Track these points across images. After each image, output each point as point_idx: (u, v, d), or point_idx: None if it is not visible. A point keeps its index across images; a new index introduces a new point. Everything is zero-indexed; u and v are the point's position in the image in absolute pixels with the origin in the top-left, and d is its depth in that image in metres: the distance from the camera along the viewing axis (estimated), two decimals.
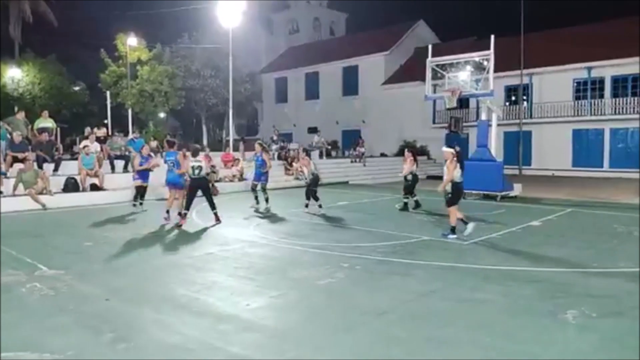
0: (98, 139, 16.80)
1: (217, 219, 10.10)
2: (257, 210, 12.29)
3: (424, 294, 5.49)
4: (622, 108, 25.73)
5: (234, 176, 17.71)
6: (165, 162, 10.59)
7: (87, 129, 18.27)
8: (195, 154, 10.00)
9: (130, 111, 29.05)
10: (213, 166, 16.74)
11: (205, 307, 5.00)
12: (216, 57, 31.49)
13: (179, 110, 34.35)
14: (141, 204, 12.19)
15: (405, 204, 12.45)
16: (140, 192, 12.22)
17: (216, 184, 16.03)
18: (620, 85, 26.10)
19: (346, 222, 10.43)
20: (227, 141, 22.98)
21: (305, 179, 12.61)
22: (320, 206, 11.99)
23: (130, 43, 28.36)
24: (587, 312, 4.81)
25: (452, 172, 8.44)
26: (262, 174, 12.72)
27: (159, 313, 4.81)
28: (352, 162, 25.07)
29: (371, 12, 75.85)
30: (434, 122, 31.36)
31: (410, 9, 78.07)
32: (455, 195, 8.53)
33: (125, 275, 6.21)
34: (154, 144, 18.68)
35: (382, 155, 30.68)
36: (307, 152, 13.35)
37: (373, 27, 41.03)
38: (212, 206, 10.14)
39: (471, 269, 6.61)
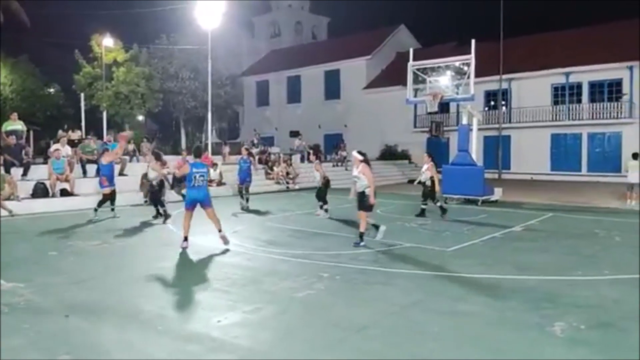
0: (72, 143, 16.27)
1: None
2: (244, 208, 13.24)
3: (406, 306, 5.25)
4: (599, 113, 26.05)
5: (211, 181, 17.23)
6: (192, 174, 7.91)
7: (60, 132, 17.69)
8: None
9: (105, 114, 28.32)
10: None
11: (173, 325, 4.66)
12: (195, 59, 31.01)
13: (157, 113, 33.73)
14: (112, 209, 11.67)
15: (423, 210, 12.00)
16: (111, 197, 11.61)
17: None
18: (597, 91, 26.43)
19: (327, 229, 10.15)
20: (206, 144, 22.51)
21: (318, 182, 12.62)
22: (326, 210, 12.08)
23: (106, 44, 27.68)
24: (574, 324, 4.64)
25: (370, 177, 8.22)
26: (247, 176, 13.81)
27: (122, 332, 4.45)
28: (333, 166, 24.85)
29: (353, 17, 76.03)
30: (415, 127, 31.36)
31: (391, 14, 78.62)
32: (368, 199, 8.16)
33: (89, 289, 5.81)
34: (130, 147, 18.16)
35: None
36: (318, 155, 13.17)
37: (355, 32, 41.00)
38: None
39: (454, 277, 6.40)
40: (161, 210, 11.38)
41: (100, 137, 19.92)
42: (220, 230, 8.12)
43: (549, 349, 4.16)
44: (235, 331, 4.51)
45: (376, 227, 8.51)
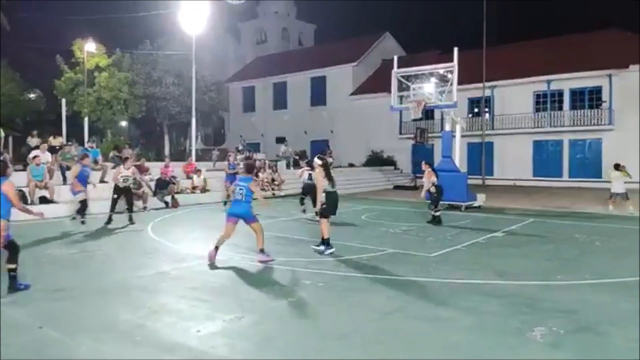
0: (53, 149, 16.00)
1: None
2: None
3: (389, 313, 5.23)
4: (580, 120, 26.47)
5: (194, 188, 17.10)
6: (239, 188, 7.64)
7: (30, 139, 17.45)
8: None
9: (86, 119, 27.96)
10: (174, 177, 16.16)
11: (151, 335, 4.56)
12: (179, 65, 30.85)
13: (140, 119, 33.41)
14: (83, 219, 11.20)
15: (434, 217, 11.81)
16: (84, 206, 11.21)
17: (176, 196, 15.47)
18: (578, 98, 26.87)
19: (311, 235, 10.08)
20: (190, 150, 22.33)
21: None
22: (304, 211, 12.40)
23: (89, 49, 27.37)
24: (554, 329, 4.65)
25: (320, 182, 8.17)
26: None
27: (98, 343, 4.35)
28: (302, 173, 24.81)
29: (339, 24, 76.58)
30: (400, 133, 31.54)
31: (376, 22, 79.26)
32: (329, 205, 8.19)
33: (65, 299, 5.67)
34: (113, 153, 17.94)
35: (350, 165, 30.61)
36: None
37: (341, 39, 41.18)
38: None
39: (437, 283, 6.40)
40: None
41: (82, 143, 19.66)
42: (261, 250, 7.61)
43: (529, 354, 4.17)
44: (214, 341, 4.43)
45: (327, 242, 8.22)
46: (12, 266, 5.81)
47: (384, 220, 12.50)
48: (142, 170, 16.26)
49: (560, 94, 27.25)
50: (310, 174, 12.22)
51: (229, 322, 4.90)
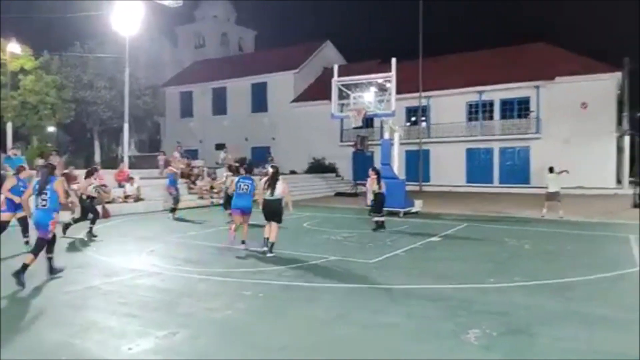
0: None
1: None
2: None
3: (329, 321, 5.20)
4: (510, 129, 28.01)
5: (127, 197, 16.37)
6: (238, 184, 9.29)
7: None
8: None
9: (9, 125, 26.12)
10: (104, 185, 15.37)
11: (79, 354, 4.27)
12: (112, 68, 29.58)
13: (69, 124, 31.65)
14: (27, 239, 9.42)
15: (377, 223, 12.02)
16: (23, 225, 9.19)
17: (107, 206, 14.71)
18: (508, 108, 28.42)
19: (251, 245, 9.90)
20: (123, 157, 21.37)
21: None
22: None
23: (12, 50, 25.65)
24: (487, 331, 4.80)
25: (259, 189, 8.89)
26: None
27: None
28: (261, 179, 24.53)
29: (280, 31, 76.66)
30: (341, 140, 31.93)
31: (317, 30, 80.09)
32: (264, 211, 8.73)
33: None
34: (40, 161, 16.82)
35: (292, 172, 30.53)
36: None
37: (282, 46, 41.16)
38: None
39: (376, 289, 6.46)
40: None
41: (4, 149, 18.32)
42: (243, 242, 9.31)
43: (464, 356, 4.27)
44: (146, 358, 4.20)
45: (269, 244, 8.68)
46: (51, 255, 7.12)
47: (325, 228, 12.54)
48: (70, 179, 15.36)
49: (491, 104, 28.70)
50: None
51: (163, 338, 4.67)
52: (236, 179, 9.72)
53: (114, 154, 34.97)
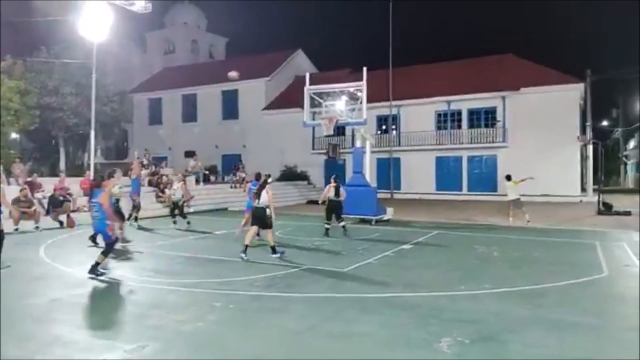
0: None
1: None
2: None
3: (302, 332, 5.15)
4: (477, 137, 28.64)
5: None
6: (251, 190, 10.75)
7: None
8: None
9: None
10: (70, 194, 14.95)
11: None
12: (79, 73, 28.87)
13: (33, 131, 30.66)
14: None
15: (327, 229, 12.54)
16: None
17: (72, 215, 14.29)
18: (475, 117, 29.07)
19: (222, 254, 9.76)
20: (89, 165, 20.79)
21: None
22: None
23: None
24: (459, 339, 4.84)
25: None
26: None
27: None
28: (232, 187, 24.33)
29: (251, 38, 76.63)
30: (313, 148, 31.97)
31: (289, 38, 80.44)
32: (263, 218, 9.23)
33: None
34: None
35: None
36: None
37: (253, 53, 41.08)
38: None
39: (349, 298, 6.45)
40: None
41: None
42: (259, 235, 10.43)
43: None
44: None
45: (244, 249, 9.10)
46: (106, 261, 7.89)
47: (297, 236, 12.47)
48: (34, 187, 14.89)
49: (459, 113, 29.31)
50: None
51: (131, 351, 4.53)
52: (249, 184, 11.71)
53: (79, 161, 34.03)
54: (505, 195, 15.95)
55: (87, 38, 20.04)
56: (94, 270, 7.49)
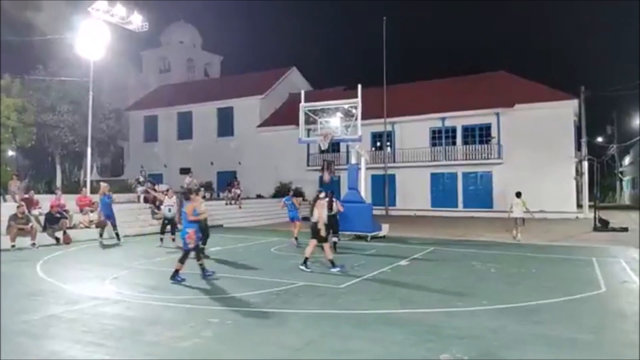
0: None
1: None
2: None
3: (299, 348, 5.13)
4: (472, 154, 28.77)
5: (91, 222, 15.86)
6: (289, 203, 14.79)
7: None
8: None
9: None
10: (66, 211, 14.90)
11: None
12: (75, 91, 28.97)
13: (30, 148, 30.65)
14: None
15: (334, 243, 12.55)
16: None
17: (69, 232, 14.23)
18: (470, 134, 29.27)
19: (218, 270, 9.71)
20: (85, 182, 20.73)
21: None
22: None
23: None
24: (458, 355, 4.83)
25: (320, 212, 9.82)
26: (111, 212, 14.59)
27: None
28: (227, 204, 24.29)
29: (246, 57, 77.29)
30: (308, 165, 32.06)
31: (283, 56, 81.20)
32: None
33: None
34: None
35: (259, 196, 30.36)
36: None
37: (248, 71, 41.48)
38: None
39: (345, 315, 6.44)
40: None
41: None
42: (296, 239, 13.95)
43: None
44: None
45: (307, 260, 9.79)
46: (202, 262, 8.90)
47: (293, 253, 12.45)
48: (30, 203, 14.83)
49: (454, 130, 29.52)
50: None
51: None
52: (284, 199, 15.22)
53: (75, 178, 33.91)
54: (510, 212, 15.55)
55: (84, 56, 20.19)
56: (175, 276, 8.30)
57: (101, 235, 14.42)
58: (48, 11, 26.55)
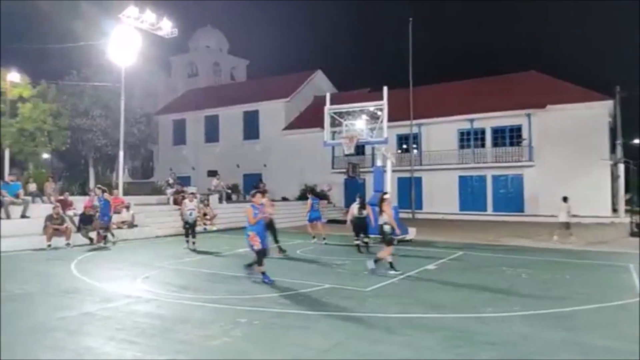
0: None
1: None
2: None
3: (326, 350, 5.13)
4: (502, 156, 28.18)
5: (123, 222, 16.25)
6: (313, 203, 15.04)
7: None
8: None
9: (7, 152, 26.14)
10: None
11: None
12: (107, 96, 29.81)
13: (64, 151, 31.65)
14: None
15: (358, 246, 13.29)
16: None
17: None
18: (500, 136, 28.71)
19: (244, 271, 9.82)
20: (117, 184, 21.29)
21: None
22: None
23: (12, 79, 25.93)
24: None
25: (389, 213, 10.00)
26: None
27: None
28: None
29: (272, 60, 77.90)
30: (333, 167, 32.04)
31: (308, 59, 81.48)
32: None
33: None
34: (32, 186, 16.77)
35: (284, 199, 30.50)
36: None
37: (273, 74, 41.76)
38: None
39: (373, 318, 6.40)
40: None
41: (2, 176, 18.30)
42: (324, 238, 14.93)
43: None
44: None
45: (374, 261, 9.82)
46: (263, 268, 8.60)
47: (319, 255, 12.47)
48: (65, 204, 15.30)
49: (483, 132, 28.99)
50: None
51: None
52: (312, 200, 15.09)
53: (108, 180, 34.88)
54: (556, 216, 16.03)
55: (116, 62, 20.74)
56: (265, 278, 8.43)
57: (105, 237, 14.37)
58: (82, 18, 27.44)
